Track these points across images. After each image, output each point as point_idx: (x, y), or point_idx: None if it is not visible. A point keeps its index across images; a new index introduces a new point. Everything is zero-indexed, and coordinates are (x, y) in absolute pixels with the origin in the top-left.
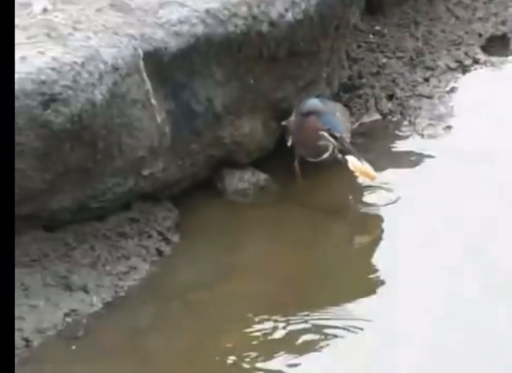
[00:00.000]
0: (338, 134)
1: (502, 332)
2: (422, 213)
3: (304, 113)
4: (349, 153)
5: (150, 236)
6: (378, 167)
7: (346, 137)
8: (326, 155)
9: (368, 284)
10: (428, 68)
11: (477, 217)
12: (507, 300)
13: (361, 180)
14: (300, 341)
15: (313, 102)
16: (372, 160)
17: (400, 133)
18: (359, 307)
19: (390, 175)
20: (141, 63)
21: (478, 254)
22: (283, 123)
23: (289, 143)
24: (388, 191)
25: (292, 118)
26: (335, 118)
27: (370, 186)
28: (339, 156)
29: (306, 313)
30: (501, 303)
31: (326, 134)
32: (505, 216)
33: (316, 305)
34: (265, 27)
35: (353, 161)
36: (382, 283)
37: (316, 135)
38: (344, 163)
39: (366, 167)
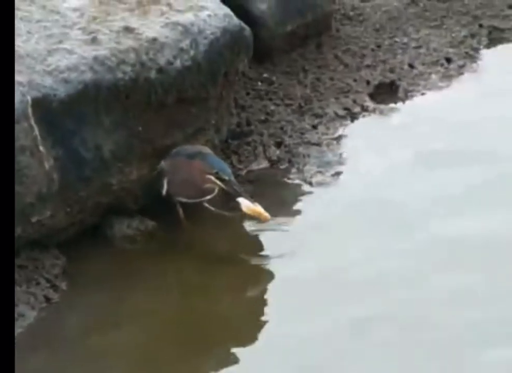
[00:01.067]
0: (226, 178)
1: None
2: (313, 260)
3: (189, 155)
4: (239, 195)
5: (37, 283)
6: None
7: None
8: (209, 197)
9: (255, 332)
10: (316, 116)
11: (372, 262)
12: None
13: (247, 224)
14: None
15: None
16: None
17: (289, 181)
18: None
19: (279, 220)
20: (30, 110)
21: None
22: (157, 168)
23: (164, 190)
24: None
25: (164, 162)
26: (220, 160)
27: (257, 232)
28: (231, 199)
29: (196, 361)
30: None
31: (213, 178)
32: (394, 258)
33: (203, 352)
34: (153, 74)
35: (244, 203)
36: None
37: (202, 178)
38: (231, 202)
39: (258, 208)
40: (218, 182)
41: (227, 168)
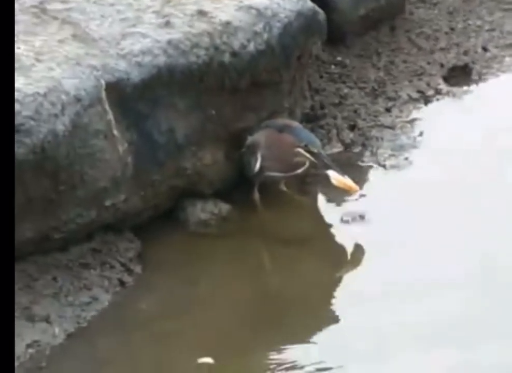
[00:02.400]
0: (315, 150)
1: None
2: (388, 242)
3: (278, 128)
4: (329, 167)
5: (112, 267)
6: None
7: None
8: (301, 170)
9: (328, 319)
10: (390, 98)
11: (442, 245)
12: None
13: (324, 210)
14: None
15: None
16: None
17: (363, 164)
18: (319, 342)
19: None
20: (103, 94)
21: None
22: (250, 138)
23: (258, 165)
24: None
25: (258, 135)
26: (310, 133)
27: (332, 218)
28: (320, 170)
29: (267, 347)
30: None
31: (303, 151)
32: (465, 243)
33: (277, 339)
34: (226, 58)
35: (334, 176)
36: (341, 318)
37: (292, 151)
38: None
39: (348, 180)
40: (308, 155)
41: (317, 140)
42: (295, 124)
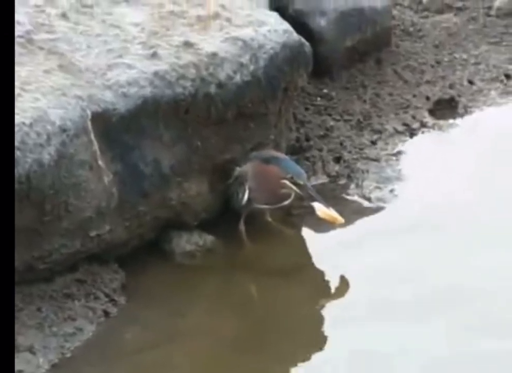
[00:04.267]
0: (301, 182)
1: None
2: (375, 270)
3: (264, 160)
4: (314, 199)
5: (96, 297)
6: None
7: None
8: (287, 202)
9: (316, 348)
10: (375, 131)
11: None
12: None
13: (309, 241)
14: None
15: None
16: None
17: (348, 196)
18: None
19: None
20: (89, 124)
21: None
22: (238, 169)
23: (245, 197)
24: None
25: (245, 166)
26: (296, 165)
27: (317, 249)
28: (305, 202)
29: None
30: None
31: (288, 182)
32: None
33: (263, 368)
34: (213, 89)
35: (319, 207)
36: (327, 344)
37: (278, 183)
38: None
39: (332, 212)
40: (293, 187)
41: (302, 172)
42: (282, 155)
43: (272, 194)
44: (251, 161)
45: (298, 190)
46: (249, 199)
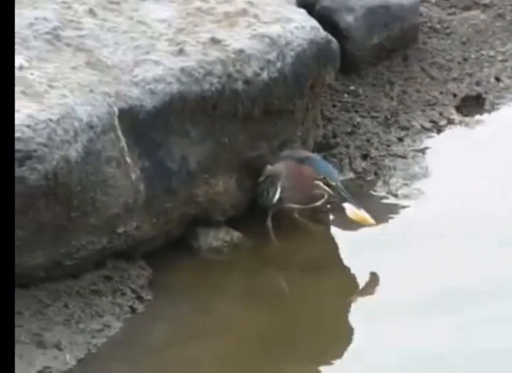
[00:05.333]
0: (333, 183)
1: None
2: (403, 267)
3: (298, 160)
4: (346, 200)
5: (123, 294)
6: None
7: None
8: (319, 203)
9: (346, 344)
10: (402, 128)
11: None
12: None
13: (337, 238)
14: None
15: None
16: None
17: (374, 193)
18: (337, 368)
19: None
20: (116, 121)
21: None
22: (270, 168)
23: (277, 196)
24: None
25: (278, 165)
26: (329, 165)
27: (346, 245)
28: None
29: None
30: None
31: (321, 183)
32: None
33: (293, 365)
34: (239, 85)
35: (350, 209)
36: (360, 343)
37: (311, 183)
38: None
39: (364, 214)
40: (326, 188)
41: (335, 173)
42: (315, 156)
43: (305, 194)
44: (283, 160)
45: (330, 191)
46: (280, 198)
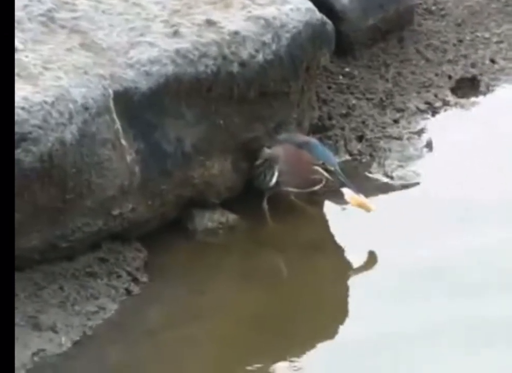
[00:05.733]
0: (332, 168)
1: None
2: (388, 258)
3: (296, 144)
4: (345, 185)
5: (119, 276)
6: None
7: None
8: (317, 187)
9: (343, 325)
10: (398, 110)
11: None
12: None
13: (332, 221)
14: None
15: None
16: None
17: (370, 175)
18: (334, 348)
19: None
20: (111, 103)
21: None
22: (267, 151)
23: (274, 179)
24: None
25: (276, 149)
26: (327, 151)
27: (342, 227)
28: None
29: (278, 353)
30: None
31: (320, 168)
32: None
33: (289, 346)
34: (235, 68)
35: (349, 194)
36: (356, 320)
37: (309, 169)
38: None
39: (363, 199)
40: (325, 173)
41: (333, 158)
42: (314, 140)
43: (304, 178)
44: (282, 144)
45: (329, 176)
46: (278, 182)
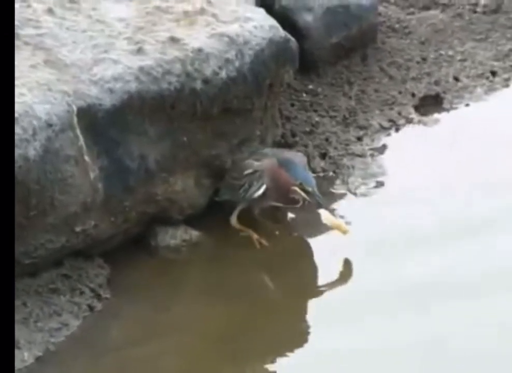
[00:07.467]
0: (310, 189)
1: None
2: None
3: (279, 162)
4: (321, 206)
5: (81, 292)
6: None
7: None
8: (298, 205)
9: (305, 341)
10: (361, 127)
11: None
12: None
13: (297, 238)
14: None
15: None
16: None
17: (334, 191)
18: (295, 362)
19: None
20: (75, 119)
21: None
22: (256, 163)
23: (260, 191)
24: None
25: (263, 162)
26: (306, 171)
27: (303, 245)
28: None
29: (242, 368)
30: None
31: (298, 189)
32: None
33: (253, 360)
34: (198, 84)
35: (326, 215)
36: (320, 340)
37: (288, 188)
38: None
39: (339, 221)
40: (302, 193)
41: (312, 179)
42: (295, 159)
43: (283, 196)
44: (268, 158)
45: (306, 197)
46: (264, 195)
